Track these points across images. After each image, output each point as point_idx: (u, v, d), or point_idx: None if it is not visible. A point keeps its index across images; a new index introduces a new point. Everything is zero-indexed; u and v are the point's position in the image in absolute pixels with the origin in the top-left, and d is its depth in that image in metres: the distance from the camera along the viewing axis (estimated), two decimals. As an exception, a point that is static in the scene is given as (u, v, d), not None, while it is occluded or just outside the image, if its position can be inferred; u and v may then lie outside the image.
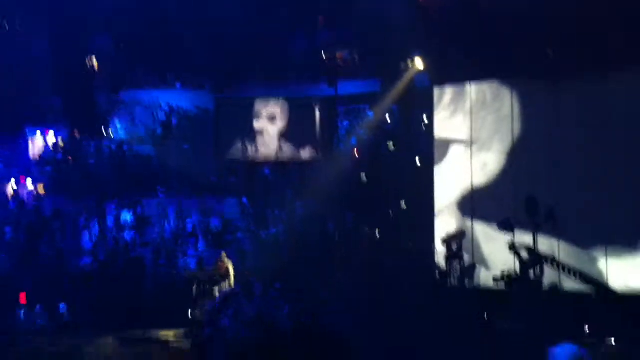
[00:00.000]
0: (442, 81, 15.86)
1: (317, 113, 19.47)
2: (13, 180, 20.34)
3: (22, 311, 14.32)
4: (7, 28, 19.94)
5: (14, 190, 20.17)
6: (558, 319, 11.24)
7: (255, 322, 11.69)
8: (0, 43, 20.34)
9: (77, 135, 22.36)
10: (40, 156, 21.88)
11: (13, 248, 17.22)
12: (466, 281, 14.16)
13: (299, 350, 9.27)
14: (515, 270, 13.15)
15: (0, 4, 19.01)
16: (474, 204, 14.94)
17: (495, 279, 13.47)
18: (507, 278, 13.26)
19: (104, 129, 22.33)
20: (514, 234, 13.35)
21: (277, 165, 19.87)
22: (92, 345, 12.41)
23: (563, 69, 13.50)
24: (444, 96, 15.80)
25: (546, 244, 13.37)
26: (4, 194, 19.96)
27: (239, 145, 19.88)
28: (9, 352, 11.81)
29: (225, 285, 14.51)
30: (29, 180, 20.37)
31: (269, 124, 19.81)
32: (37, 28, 20.39)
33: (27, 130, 22.33)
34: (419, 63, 16.52)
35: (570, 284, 13.29)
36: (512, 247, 13.30)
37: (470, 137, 15.18)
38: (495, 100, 14.89)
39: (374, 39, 17.61)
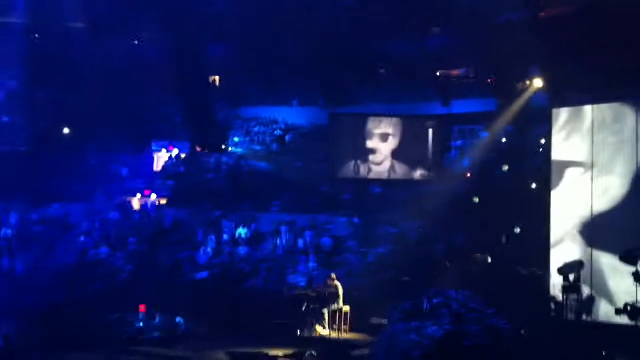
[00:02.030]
0: (561, 101, 15.17)
1: (431, 132, 19.22)
2: (139, 194, 21.49)
3: (141, 322, 14.99)
4: (137, 43, 20.92)
5: (140, 203, 21.32)
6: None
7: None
8: (130, 62, 21.51)
9: (197, 149, 23.32)
10: (163, 170, 23.01)
11: (135, 259, 18.14)
12: (584, 315, 13.41)
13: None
14: (640, 301, 12.30)
15: (126, 22, 19.97)
16: (594, 231, 14.14)
17: (618, 311, 12.68)
18: (632, 310, 12.42)
19: (223, 144, 23.14)
20: (637, 266, 12.53)
21: (389, 184, 19.78)
22: (202, 358, 12.80)
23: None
24: (561, 116, 15.10)
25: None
26: (131, 206, 21.13)
27: (352, 163, 19.96)
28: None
29: (334, 305, 14.60)
30: (153, 195, 21.42)
31: (382, 143, 19.77)
32: (161, 45, 21.35)
33: (153, 146, 23.55)
34: (537, 82, 15.94)
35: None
36: (637, 277, 12.43)
37: (591, 160, 14.40)
38: (616, 121, 14.07)
39: (490, 57, 17.19)
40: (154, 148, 23.97)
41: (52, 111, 21.59)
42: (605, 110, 14.25)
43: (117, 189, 21.51)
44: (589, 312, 13.54)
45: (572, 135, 14.82)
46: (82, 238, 18.84)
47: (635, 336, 12.26)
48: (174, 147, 23.88)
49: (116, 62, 20.88)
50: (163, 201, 21.30)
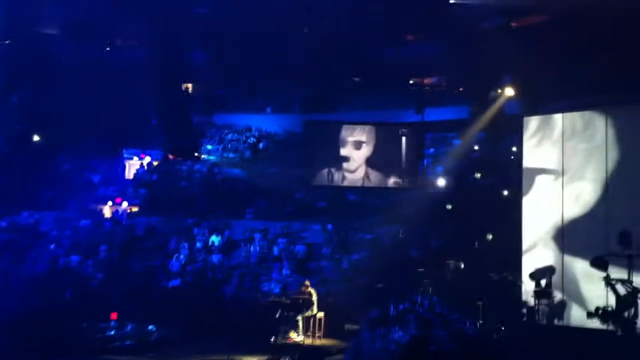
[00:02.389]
0: (532, 109, 15.40)
1: (404, 139, 19.35)
2: (110, 202, 21.28)
3: (113, 329, 14.82)
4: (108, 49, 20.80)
5: (111, 211, 21.12)
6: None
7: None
8: (102, 69, 21.34)
9: (170, 157, 23.20)
10: (135, 177, 22.83)
11: (107, 267, 17.93)
12: (555, 319, 13.58)
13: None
14: (611, 306, 12.47)
15: (99, 29, 19.82)
16: (566, 237, 14.34)
17: (590, 315, 12.82)
18: (603, 314, 12.57)
19: (196, 152, 23.05)
20: (607, 271, 12.73)
21: (363, 191, 19.86)
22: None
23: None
24: (531, 124, 15.31)
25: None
26: (102, 213, 20.92)
27: (326, 170, 19.99)
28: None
29: (308, 312, 14.58)
30: (125, 203, 21.23)
31: (355, 150, 19.85)
32: (135, 51, 21.24)
33: (124, 153, 23.37)
34: (509, 90, 16.17)
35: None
36: (608, 281, 12.61)
37: (561, 167, 14.61)
38: (587, 128, 14.32)
39: (463, 65, 17.40)
40: (125, 155, 23.80)
41: (22, 117, 21.34)
42: (575, 117, 14.49)
43: (89, 196, 21.30)
44: (561, 316, 13.71)
45: (542, 142, 15.03)
46: (53, 246, 18.59)
47: (606, 340, 12.42)
48: (146, 154, 23.74)
49: (88, 68, 20.72)
50: (135, 209, 21.12)
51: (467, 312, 13.14)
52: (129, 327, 15.08)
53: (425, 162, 19.39)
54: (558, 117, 14.75)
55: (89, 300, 16.00)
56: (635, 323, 12.16)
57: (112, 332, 14.73)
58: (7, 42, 19.06)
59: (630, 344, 11.89)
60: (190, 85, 24.98)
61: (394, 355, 1.13)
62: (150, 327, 15.09)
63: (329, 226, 18.60)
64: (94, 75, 20.76)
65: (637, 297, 12.24)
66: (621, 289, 12.50)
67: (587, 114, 14.35)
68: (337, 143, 20.08)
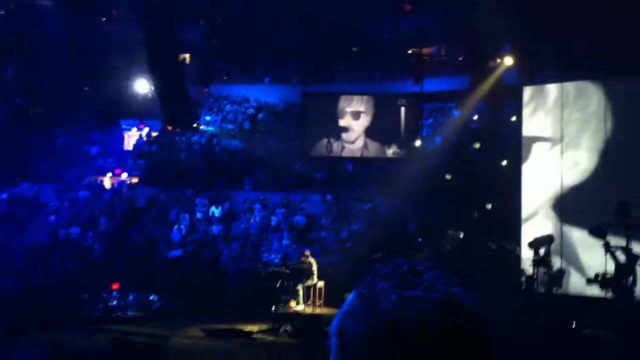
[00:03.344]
0: (531, 79, 15.35)
1: (403, 110, 19.33)
2: (110, 173, 21.30)
3: (115, 300, 14.93)
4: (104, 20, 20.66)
5: (111, 182, 21.14)
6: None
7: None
8: (100, 40, 21.22)
9: (169, 128, 23.17)
10: (134, 149, 22.82)
11: (107, 237, 18.01)
12: (554, 287, 13.67)
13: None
14: (610, 272, 12.52)
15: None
16: (564, 205, 14.39)
17: (589, 281, 12.87)
18: (602, 279, 12.61)
19: (194, 123, 23.01)
20: (605, 239, 12.78)
21: (362, 162, 19.88)
22: (177, 336, 12.79)
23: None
24: (527, 93, 15.28)
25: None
26: (102, 185, 20.95)
27: (324, 141, 20.00)
28: (98, 340, 12.33)
29: (308, 281, 14.69)
30: (124, 174, 21.26)
31: (354, 121, 19.84)
32: (131, 24, 21.11)
33: (122, 125, 23.32)
34: (508, 60, 16.11)
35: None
36: (607, 248, 12.60)
37: (559, 135, 14.59)
38: (581, 96, 14.29)
39: (462, 35, 17.32)
40: (124, 127, 23.75)
41: (20, 90, 21.25)
42: (570, 86, 14.47)
43: (88, 168, 21.31)
44: (559, 284, 13.80)
45: (538, 111, 15.03)
46: (53, 217, 18.64)
47: (604, 307, 12.53)
48: (145, 125, 23.69)
49: (86, 39, 20.60)
50: (134, 180, 21.15)
51: (464, 280, 13.28)
52: (130, 298, 15.20)
53: (424, 132, 19.38)
54: (553, 86, 14.72)
55: (90, 271, 16.10)
56: (634, 290, 12.27)
57: (114, 303, 14.85)
58: (1, 12, 18.91)
59: (629, 311, 12.00)
60: (188, 56, 24.85)
61: (381, 321, 1.13)
62: (151, 297, 15.21)
63: (328, 197, 18.66)
64: (92, 47, 20.64)
65: (636, 264, 12.29)
66: (621, 256, 12.55)
67: (582, 83, 14.32)
68: (336, 114, 20.06)
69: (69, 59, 20.32)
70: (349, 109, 19.94)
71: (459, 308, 1.21)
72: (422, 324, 1.18)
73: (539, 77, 15.25)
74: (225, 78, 23.47)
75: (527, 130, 15.18)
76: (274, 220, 18.43)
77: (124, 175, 21.24)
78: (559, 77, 14.70)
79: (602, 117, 13.89)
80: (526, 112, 15.18)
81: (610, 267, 12.49)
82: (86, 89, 21.30)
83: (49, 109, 22.07)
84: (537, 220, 14.80)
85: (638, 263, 12.32)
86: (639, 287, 12.39)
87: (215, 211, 18.94)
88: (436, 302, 1.20)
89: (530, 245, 14.07)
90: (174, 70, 22.51)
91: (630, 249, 12.30)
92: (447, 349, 1.18)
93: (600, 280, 12.40)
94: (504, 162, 15.94)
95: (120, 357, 11.77)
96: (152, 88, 23.16)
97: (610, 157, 13.71)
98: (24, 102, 22.02)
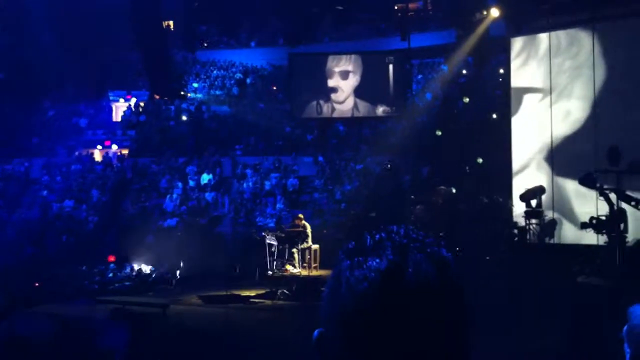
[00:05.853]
0: (518, 29, 15.19)
1: (391, 67, 19.17)
2: (99, 145, 21.18)
3: (111, 272, 14.96)
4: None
5: (101, 154, 21.05)
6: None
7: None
8: (83, 9, 20.88)
9: (156, 97, 22.97)
10: (123, 120, 22.66)
11: (101, 209, 18.00)
12: (547, 237, 13.75)
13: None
14: (604, 215, 12.49)
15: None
16: (556, 156, 14.36)
17: (583, 225, 12.85)
18: (597, 223, 12.58)
19: (182, 91, 22.82)
20: (596, 188, 12.77)
21: (352, 121, 19.79)
22: (176, 303, 12.86)
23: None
24: (517, 44, 15.12)
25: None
26: (92, 157, 20.86)
27: (314, 103, 19.87)
28: (97, 310, 12.38)
29: (303, 244, 14.73)
30: (114, 146, 21.15)
31: (342, 80, 19.69)
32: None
33: (110, 95, 23.11)
34: (494, 11, 15.93)
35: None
36: (601, 191, 12.50)
37: (549, 86, 14.49)
38: (572, 45, 14.15)
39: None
40: (111, 98, 23.55)
41: (3, 65, 20.96)
42: (560, 35, 14.33)
43: (77, 140, 21.18)
44: (552, 235, 13.88)
45: (528, 61, 14.90)
46: (45, 192, 18.60)
47: (596, 254, 12.62)
48: (132, 96, 23.49)
49: (69, 10, 20.27)
50: (125, 151, 21.05)
51: (453, 238, 13.31)
52: (127, 269, 15.24)
53: (413, 88, 19.27)
54: (544, 36, 14.58)
55: (85, 244, 16.12)
56: (625, 236, 12.31)
57: (111, 275, 14.88)
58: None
59: (618, 256, 12.05)
60: (171, 23, 24.53)
61: (373, 281, 1.15)
62: (148, 267, 15.25)
63: (320, 158, 18.62)
64: (75, 17, 20.32)
65: (630, 205, 12.23)
66: (613, 200, 12.51)
67: (572, 31, 14.18)
68: (324, 74, 19.89)
69: (55, 30, 20.05)
70: (337, 69, 19.77)
71: (449, 264, 1.26)
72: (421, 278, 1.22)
73: (526, 28, 15.10)
74: (205, 45, 23.17)
75: (518, 82, 15.07)
76: (267, 184, 18.42)
77: (114, 147, 21.12)
78: (546, 27, 14.55)
79: (591, 64, 13.78)
80: (516, 63, 15.05)
81: (604, 212, 12.49)
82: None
83: (35, 81, 21.80)
84: (528, 172, 14.79)
85: (631, 205, 12.31)
86: (632, 230, 12.43)
87: (208, 178, 18.90)
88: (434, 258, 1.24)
89: (522, 197, 14.08)
90: (158, 37, 22.21)
91: (623, 191, 12.28)
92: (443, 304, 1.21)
93: (595, 223, 12.40)
94: (494, 115, 15.88)
95: (120, 326, 11.85)
96: (138, 57, 22.89)
97: (602, 104, 13.63)
98: (9, 76, 21.74)
